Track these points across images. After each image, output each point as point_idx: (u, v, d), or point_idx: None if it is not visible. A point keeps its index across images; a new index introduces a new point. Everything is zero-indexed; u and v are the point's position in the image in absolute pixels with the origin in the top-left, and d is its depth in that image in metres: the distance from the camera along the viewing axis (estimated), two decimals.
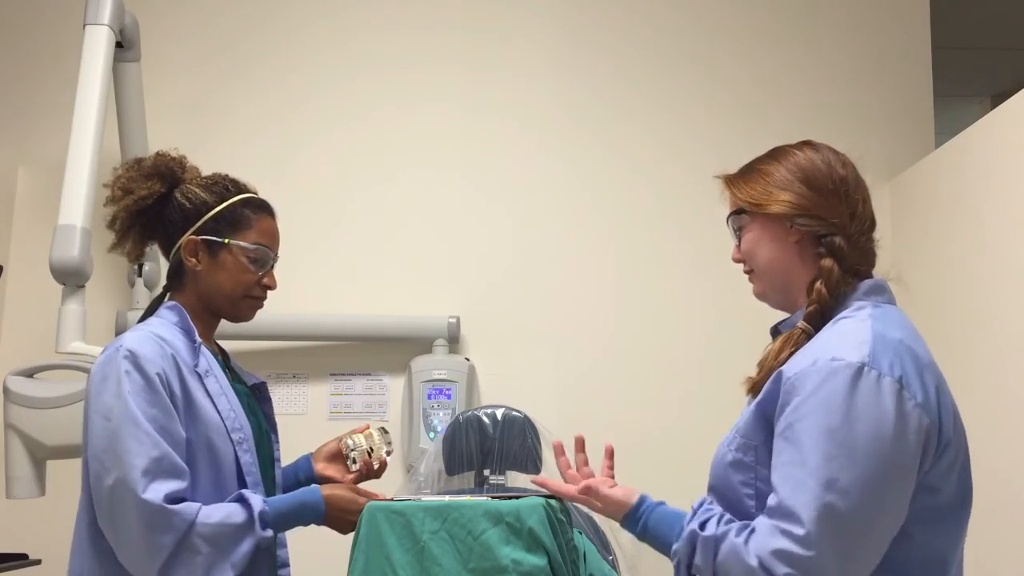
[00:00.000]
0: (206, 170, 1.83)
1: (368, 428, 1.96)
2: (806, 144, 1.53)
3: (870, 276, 1.47)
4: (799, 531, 1.25)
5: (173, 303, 1.73)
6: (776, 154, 1.53)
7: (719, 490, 1.44)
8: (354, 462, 1.90)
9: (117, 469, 1.51)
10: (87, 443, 1.58)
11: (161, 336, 1.63)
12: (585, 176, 3.45)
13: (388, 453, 1.94)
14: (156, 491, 1.50)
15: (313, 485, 1.75)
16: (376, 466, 1.92)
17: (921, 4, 3.58)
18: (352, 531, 1.76)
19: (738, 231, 1.54)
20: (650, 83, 3.50)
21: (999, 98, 3.13)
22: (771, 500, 1.31)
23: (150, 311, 1.76)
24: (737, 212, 1.53)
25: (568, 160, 3.46)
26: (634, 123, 3.48)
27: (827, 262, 1.42)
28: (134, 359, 1.56)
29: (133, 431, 1.52)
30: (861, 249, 1.46)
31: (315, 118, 3.47)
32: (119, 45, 2.93)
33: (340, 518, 1.73)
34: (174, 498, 1.52)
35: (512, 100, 3.48)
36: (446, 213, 3.42)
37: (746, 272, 1.56)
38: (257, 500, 1.60)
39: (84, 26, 2.75)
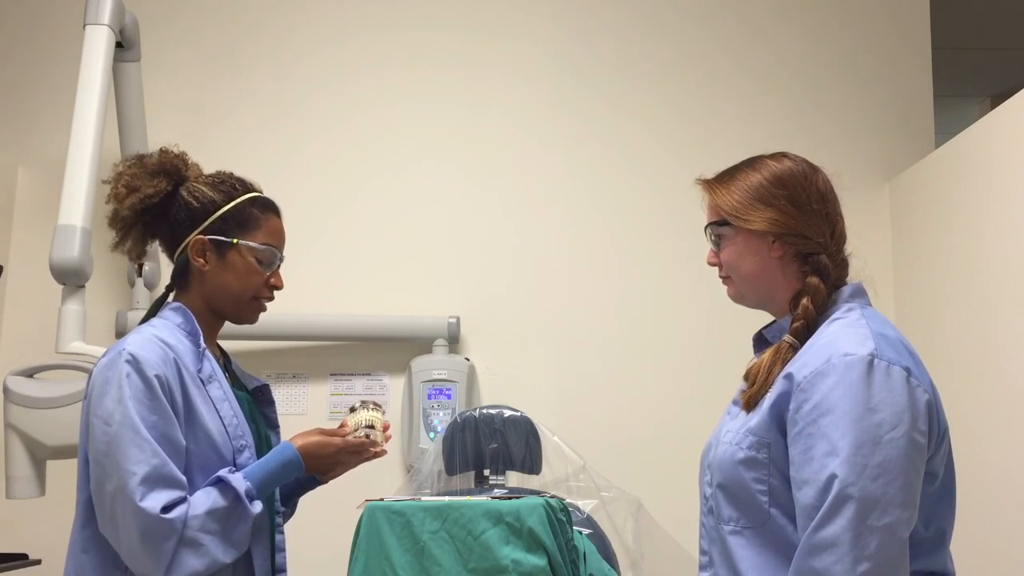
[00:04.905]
0: (207, 170, 1.82)
1: (362, 407, 1.84)
2: (784, 156, 1.55)
3: (845, 283, 1.52)
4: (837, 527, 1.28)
5: (178, 304, 1.71)
6: (757, 165, 1.55)
7: (729, 488, 1.45)
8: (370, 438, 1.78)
9: (116, 476, 1.51)
10: (87, 447, 1.58)
11: (164, 340, 1.61)
12: (585, 176, 3.45)
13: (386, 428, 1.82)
14: (154, 500, 1.50)
15: (284, 442, 1.71)
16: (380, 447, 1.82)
17: (921, 4, 3.58)
18: (332, 473, 1.76)
19: (717, 239, 1.58)
20: (649, 82, 3.50)
21: (999, 98, 3.14)
22: (806, 496, 1.32)
23: (153, 311, 1.74)
24: (719, 223, 1.56)
25: (568, 160, 3.46)
26: (634, 123, 3.48)
27: (814, 280, 1.48)
28: (136, 364, 1.55)
29: (133, 437, 1.51)
30: (839, 263, 1.52)
31: (314, 118, 3.47)
32: (119, 45, 2.93)
33: (318, 461, 1.70)
34: (170, 506, 1.52)
35: (512, 100, 3.48)
36: (446, 213, 3.42)
37: (721, 276, 1.60)
38: (238, 479, 1.59)
39: (84, 26, 2.76)
